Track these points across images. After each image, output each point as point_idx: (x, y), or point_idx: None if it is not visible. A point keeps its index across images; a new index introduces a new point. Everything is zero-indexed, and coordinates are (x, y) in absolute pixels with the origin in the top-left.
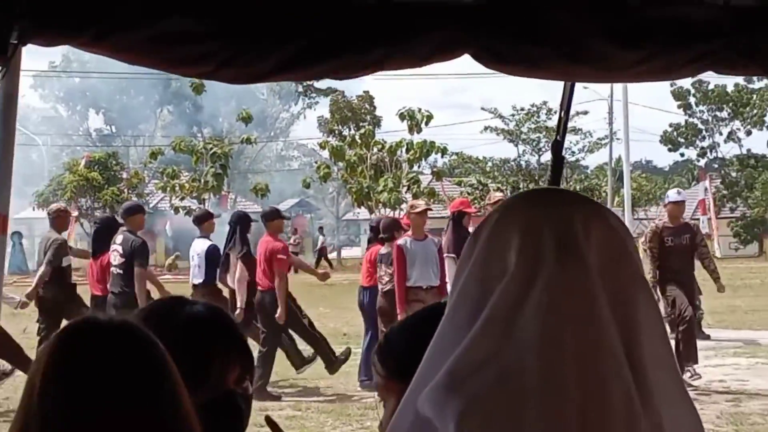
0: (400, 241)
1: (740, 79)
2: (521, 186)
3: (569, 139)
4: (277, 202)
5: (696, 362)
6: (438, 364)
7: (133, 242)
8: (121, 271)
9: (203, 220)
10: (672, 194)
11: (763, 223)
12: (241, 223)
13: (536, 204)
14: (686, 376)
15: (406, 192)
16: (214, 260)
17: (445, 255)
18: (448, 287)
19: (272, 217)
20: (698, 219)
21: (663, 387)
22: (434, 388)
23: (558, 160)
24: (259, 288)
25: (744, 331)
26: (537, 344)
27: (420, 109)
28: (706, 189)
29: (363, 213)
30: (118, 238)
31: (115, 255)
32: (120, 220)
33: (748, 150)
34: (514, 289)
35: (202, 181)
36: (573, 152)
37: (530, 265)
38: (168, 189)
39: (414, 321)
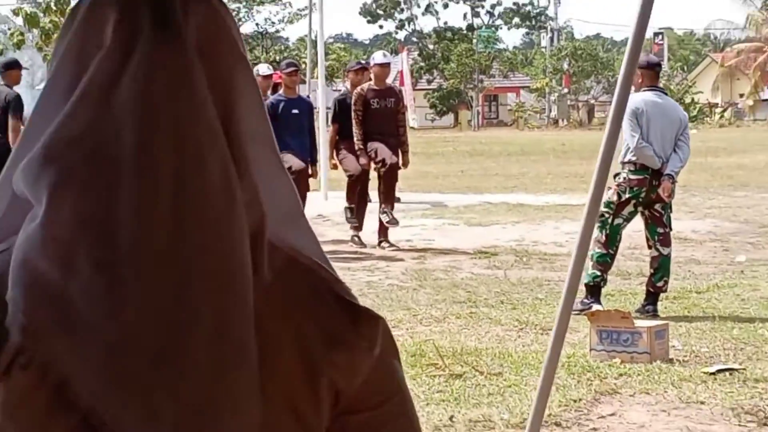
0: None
1: None
2: None
3: (269, 9)
4: None
5: (393, 206)
6: (34, 140)
7: (7, 95)
8: None
9: None
10: (378, 56)
11: (458, 94)
12: None
13: None
14: (384, 218)
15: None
16: None
17: None
18: None
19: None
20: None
21: (260, 160)
22: (29, 162)
23: None
24: None
25: (433, 194)
26: (133, 117)
27: None
28: (403, 61)
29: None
30: None
31: None
32: None
33: (445, 23)
34: (110, 63)
35: None
36: (273, 23)
37: (127, 39)
38: None
39: None
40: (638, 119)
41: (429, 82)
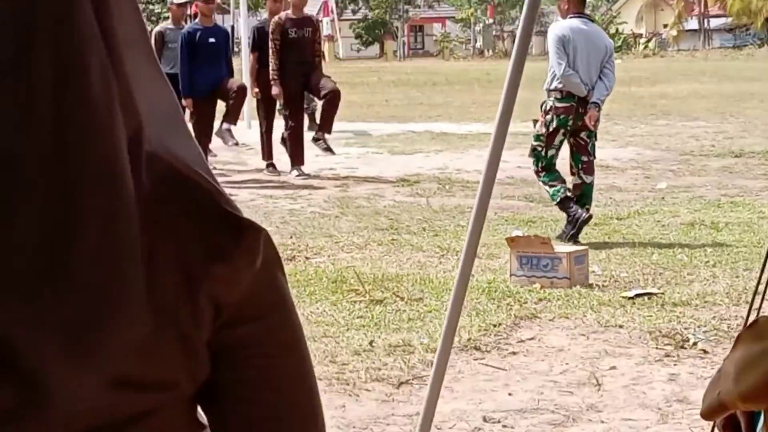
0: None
1: None
2: None
3: None
4: None
5: (329, 132)
6: None
7: None
8: None
9: None
10: None
11: (383, 24)
12: None
13: None
14: (320, 145)
15: None
16: None
17: None
18: None
19: None
20: (321, 21)
21: (137, 65)
22: None
23: None
24: None
25: (357, 123)
26: (11, 16)
27: None
28: None
29: None
30: None
31: None
32: None
33: None
34: None
35: None
36: None
37: None
38: None
39: None
40: (564, 46)
41: (354, 12)
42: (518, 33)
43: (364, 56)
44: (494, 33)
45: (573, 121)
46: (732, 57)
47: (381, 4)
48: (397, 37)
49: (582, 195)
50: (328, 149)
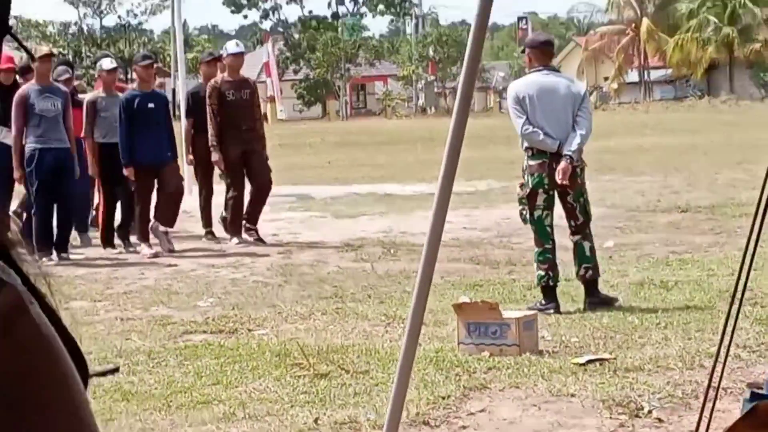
0: None
1: None
2: (83, 50)
3: (131, 1)
4: None
5: (255, 223)
6: None
7: None
8: None
9: None
10: (231, 46)
11: (325, 84)
12: None
13: None
14: (250, 236)
15: None
16: None
17: None
18: None
19: None
20: (264, 82)
21: None
22: None
23: None
24: None
25: (300, 186)
26: None
27: None
28: (269, 52)
29: None
30: None
31: None
32: None
33: (311, 11)
34: None
35: None
36: (135, 15)
37: None
38: None
39: None
40: (521, 104)
41: (296, 72)
42: (459, 90)
43: (307, 117)
44: (436, 90)
45: (549, 178)
46: (673, 109)
47: (322, 64)
48: (339, 96)
49: (575, 256)
50: (260, 240)
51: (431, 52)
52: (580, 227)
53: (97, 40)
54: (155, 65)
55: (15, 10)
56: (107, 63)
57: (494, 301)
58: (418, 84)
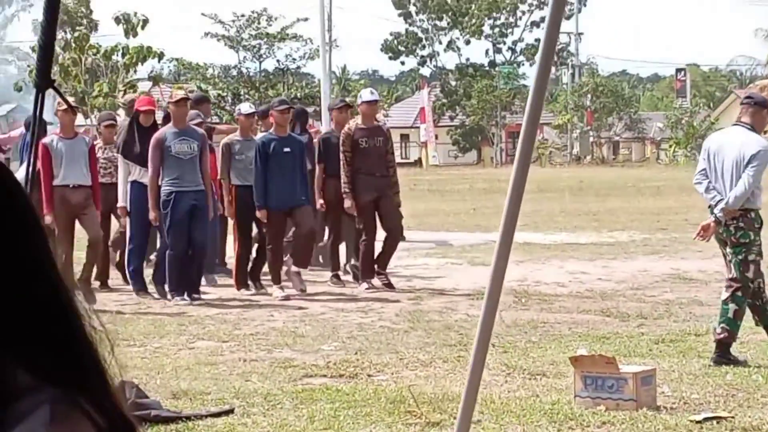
0: (45, 140)
1: None
2: (242, 93)
3: (290, 46)
4: None
5: (385, 269)
6: None
7: None
8: None
9: None
10: (365, 94)
11: (481, 131)
12: None
13: None
14: (382, 280)
15: (122, 97)
16: None
17: (115, 155)
18: (120, 187)
19: None
20: (418, 127)
21: None
22: None
23: None
24: None
25: (441, 233)
26: None
27: (136, 13)
28: (425, 98)
29: (79, 119)
30: None
31: None
32: None
33: (468, 59)
34: None
35: None
36: (294, 59)
37: None
38: None
39: None
40: (703, 156)
41: (452, 118)
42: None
43: (461, 162)
44: (591, 139)
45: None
46: None
47: (477, 110)
48: (494, 143)
49: (721, 313)
50: (389, 285)
51: (587, 102)
52: (731, 283)
53: (256, 83)
54: (290, 110)
55: (176, 53)
56: (245, 108)
57: (611, 354)
58: (573, 133)
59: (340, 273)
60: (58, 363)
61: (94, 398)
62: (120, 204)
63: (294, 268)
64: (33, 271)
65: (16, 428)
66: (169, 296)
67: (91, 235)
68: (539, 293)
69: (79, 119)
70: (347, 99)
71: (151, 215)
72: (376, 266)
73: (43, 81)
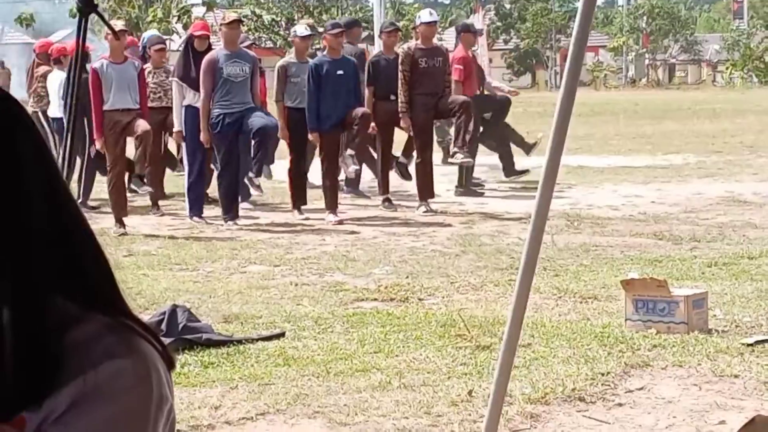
0: (95, 64)
1: None
2: (295, 17)
3: None
4: (47, 33)
5: (466, 144)
6: None
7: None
8: None
9: None
10: (424, 15)
11: (535, 54)
12: None
13: None
14: (460, 156)
15: (176, 22)
16: None
17: (169, 79)
18: (175, 112)
19: None
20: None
21: None
22: None
23: None
24: None
25: (492, 156)
26: None
27: None
28: (480, 21)
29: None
30: None
31: None
32: None
33: None
34: None
35: None
36: None
37: None
38: None
39: None
40: None
41: (506, 42)
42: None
43: (515, 86)
44: (647, 62)
45: None
46: None
47: (532, 34)
48: (548, 66)
49: None
50: (467, 159)
51: (643, 24)
52: None
53: (309, 8)
54: (344, 33)
55: None
56: (301, 30)
57: (663, 277)
58: (629, 55)
59: (391, 196)
60: (94, 292)
61: (136, 322)
62: (176, 129)
63: (349, 151)
64: (46, 196)
65: (100, 366)
66: (221, 220)
67: (140, 131)
68: (592, 216)
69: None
70: (400, 22)
71: (203, 136)
72: (455, 146)
73: (86, 7)
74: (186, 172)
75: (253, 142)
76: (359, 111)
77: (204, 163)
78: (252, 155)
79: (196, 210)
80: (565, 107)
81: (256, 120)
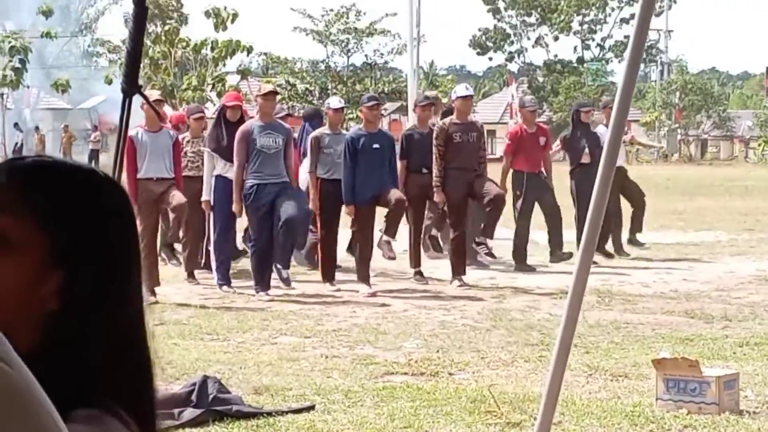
0: (131, 132)
1: None
2: (329, 87)
3: (378, 41)
4: (83, 99)
5: (492, 237)
6: None
7: None
8: None
9: None
10: (460, 89)
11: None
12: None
13: None
14: (482, 250)
15: (210, 91)
16: None
17: (202, 148)
18: (205, 180)
19: None
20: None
21: None
22: None
23: None
24: None
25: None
26: None
27: (225, 7)
28: (513, 94)
29: (167, 111)
30: None
31: None
32: None
33: (556, 55)
34: None
35: (0, 75)
36: (382, 54)
37: None
38: None
39: None
40: None
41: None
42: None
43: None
44: (679, 137)
45: None
46: None
47: (564, 107)
48: None
49: None
50: (491, 254)
51: (676, 99)
52: None
53: (344, 78)
54: (381, 107)
55: (265, 47)
56: (335, 102)
57: (694, 356)
58: (661, 130)
59: (422, 270)
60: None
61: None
62: (204, 198)
63: (385, 237)
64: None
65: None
66: (253, 291)
67: (174, 203)
68: (623, 293)
69: (169, 112)
70: (433, 93)
71: (235, 207)
72: (481, 236)
73: (131, 88)
74: (212, 241)
75: (279, 231)
76: (394, 196)
77: (229, 233)
78: (279, 244)
79: (223, 278)
80: (604, 182)
81: (287, 208)
